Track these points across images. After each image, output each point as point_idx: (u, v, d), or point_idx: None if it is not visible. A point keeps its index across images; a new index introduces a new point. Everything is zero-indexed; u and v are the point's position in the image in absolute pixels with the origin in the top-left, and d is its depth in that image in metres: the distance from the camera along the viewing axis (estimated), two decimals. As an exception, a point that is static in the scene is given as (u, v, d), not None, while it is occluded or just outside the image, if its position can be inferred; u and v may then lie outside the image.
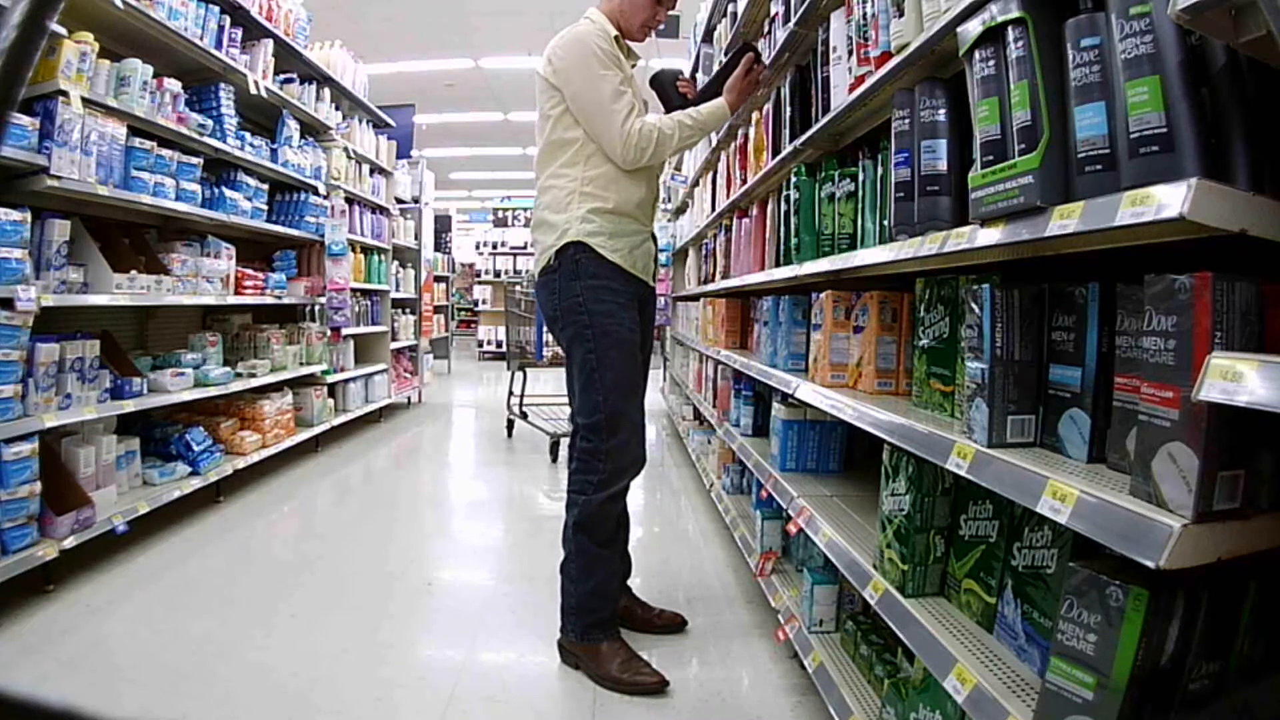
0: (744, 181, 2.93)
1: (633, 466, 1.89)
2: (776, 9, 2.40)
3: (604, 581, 1.91)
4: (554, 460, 4.33)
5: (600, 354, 1.82)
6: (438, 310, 8.01)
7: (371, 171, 5.50)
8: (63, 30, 2.32)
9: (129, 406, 2.66)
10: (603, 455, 1.85)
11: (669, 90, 1.98)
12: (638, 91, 1.96)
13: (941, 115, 1.24)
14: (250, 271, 3.70)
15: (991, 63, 1.02)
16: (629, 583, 2.20)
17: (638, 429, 1.89)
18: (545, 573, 2.31)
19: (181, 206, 2.98)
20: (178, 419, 3.31)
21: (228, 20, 3.34)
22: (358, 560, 2.71)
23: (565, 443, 3.55)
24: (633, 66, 2.01)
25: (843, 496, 1.91)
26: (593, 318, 1.83)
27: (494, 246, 11.65)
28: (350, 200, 4.96)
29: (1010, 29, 0.97)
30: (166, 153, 2.88)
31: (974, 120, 1.06)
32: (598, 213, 1.87)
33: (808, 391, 1.78)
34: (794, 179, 2.06)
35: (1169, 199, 0.72)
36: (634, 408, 1.87)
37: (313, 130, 4.53)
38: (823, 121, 1.88)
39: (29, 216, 2.16)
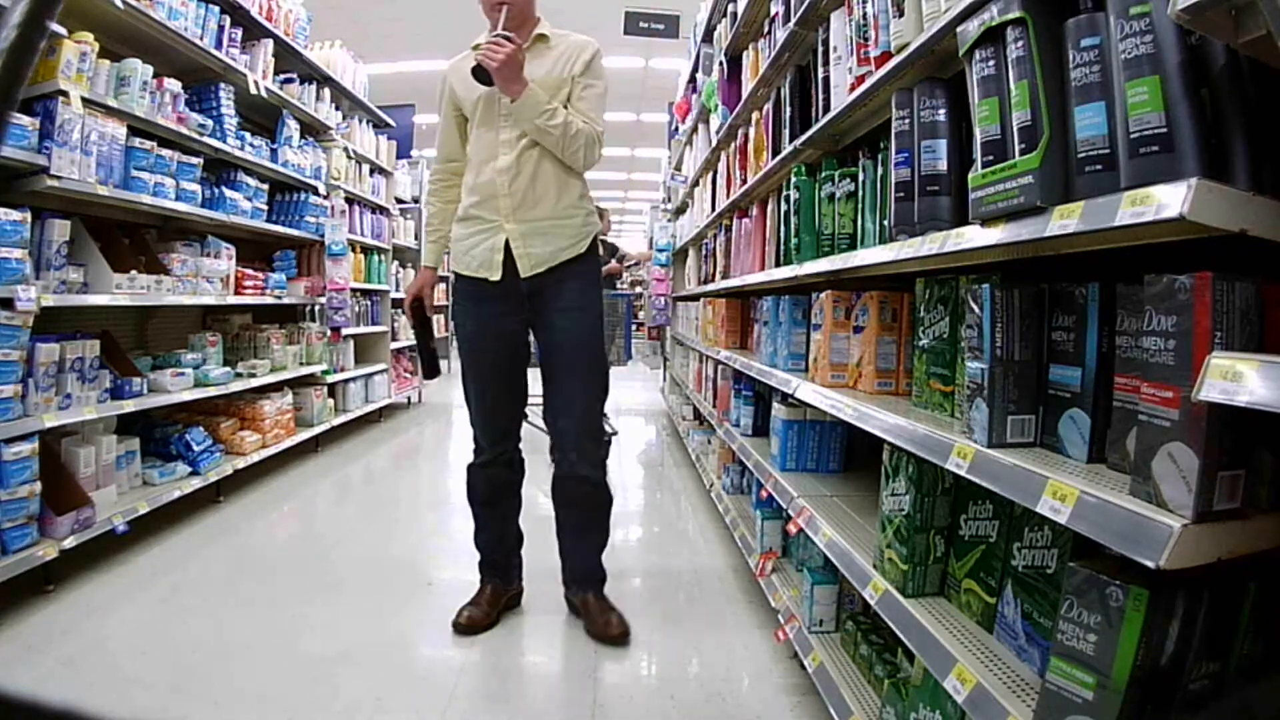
0: (744, 181, 2.93)
1: (482, 439, 2.21)
2: (776, 9, 2.41)
3: (478, 533, 2.27)
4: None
5: (459, 353, 2.18)
6: (438, 310, 7.99)
7: (371, 171, 5.49)
8: (63, 30, 2.32)
9: (129, 406, 2.66)
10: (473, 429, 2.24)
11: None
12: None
13: (941, 115, 1.24)
14: (250, 271, 3.70)
15: (991, 63, 1.02)
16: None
17: (480, 411, 2.19)
18: (545, 570, 2.31)
19: (181, 206, 2.98)
20: (178, 419, 3.30)
21: (228, 20, 3.34)
22: (358, 560, 2.71)
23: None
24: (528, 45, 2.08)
25: (843, 496, 1.91)
26: (453, 323, 2.22)
27: (494, 246, 11.62)
28: (350, 200, 4.95)
29: (1010, 29, 0.97)
30: (166, 153, 2.87)
31: (974, 120, 1.07)
32: (455, 221, 2.13)
33: (808, 391, 1.78)
34: (794, 179, 2.06)
35: (1169, 199, 0.72)
36: (475, 394, 2.17)
37: (313, 130, 4.53)
38: (823, 121, 1.88)
39: (29, 216, 2.15)
